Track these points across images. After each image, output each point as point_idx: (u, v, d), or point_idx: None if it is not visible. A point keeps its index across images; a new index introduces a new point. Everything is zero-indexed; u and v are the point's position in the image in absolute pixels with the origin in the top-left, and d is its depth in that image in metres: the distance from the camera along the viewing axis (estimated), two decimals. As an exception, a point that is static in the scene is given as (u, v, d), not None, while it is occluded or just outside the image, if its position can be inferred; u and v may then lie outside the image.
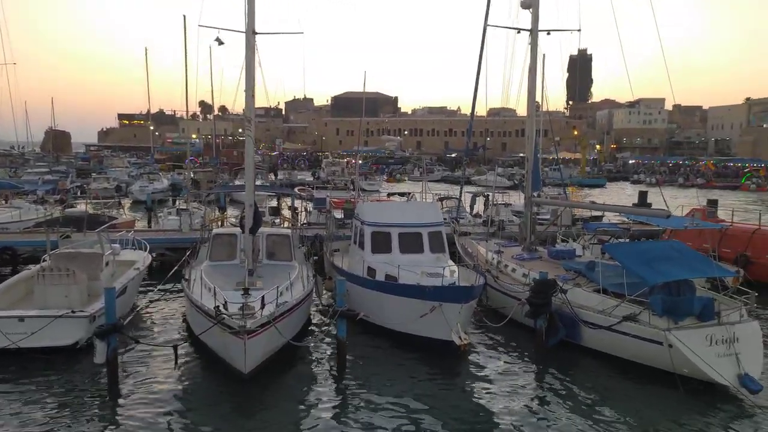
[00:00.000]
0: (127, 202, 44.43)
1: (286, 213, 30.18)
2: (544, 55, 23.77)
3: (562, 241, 22.99)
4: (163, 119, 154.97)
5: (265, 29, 16.24)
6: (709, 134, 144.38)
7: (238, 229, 17.81)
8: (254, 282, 14.07)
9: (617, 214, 26.95)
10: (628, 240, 21.53)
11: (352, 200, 23.94)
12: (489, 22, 21.97)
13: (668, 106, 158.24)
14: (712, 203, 30.74)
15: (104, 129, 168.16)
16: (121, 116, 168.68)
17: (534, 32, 20.21)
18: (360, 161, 79.79)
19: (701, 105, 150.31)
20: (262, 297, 12.09)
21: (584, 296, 15.03)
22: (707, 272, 14.57)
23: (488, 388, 12.99)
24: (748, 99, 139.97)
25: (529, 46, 20.41)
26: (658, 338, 12.91)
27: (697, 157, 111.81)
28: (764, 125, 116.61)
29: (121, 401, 11.93)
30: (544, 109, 26.20)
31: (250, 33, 15.51)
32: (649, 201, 38.21)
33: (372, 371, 13.72)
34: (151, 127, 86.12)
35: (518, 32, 20.64)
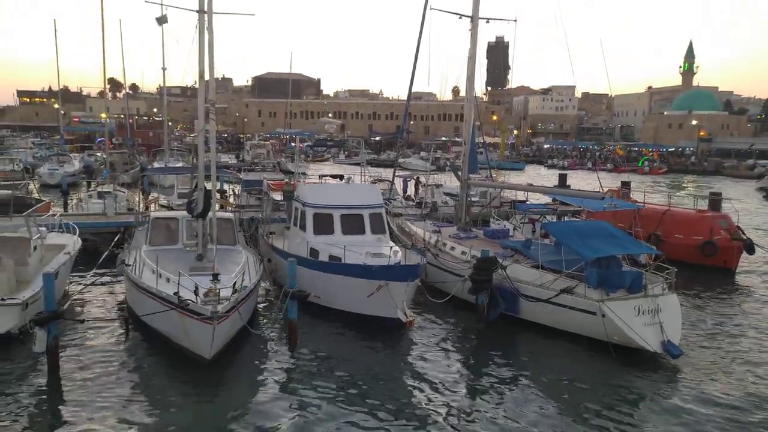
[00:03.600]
0: (34, 185, 41.51)
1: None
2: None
3: (495, 220, 23.98)
4: (68, 97, 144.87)
5: (219, 9, 15.73)
6: (614, 121, 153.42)
7: (179, 213, 17.28)
8: (205, 267, 13.80)
9: (546, 195, 28.27)
10: (555, 219, 22.76)
11: (292, 182, 23.76)
12: (432, 6, 22.25)
13: (578, 93, 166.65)
14: (626, 185, 32.90)
15: (1, 107, 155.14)
16: (20, 93, 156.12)
17: (475, 19, 20.80)
18: (288, 143, 78.66)
19: (608, 93, 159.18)
20: (234, 283, 11.94)
21: (523, 272, 15.87)
22: (634, 249, 15.83)
23: (434, 361, 13.49)
24: (650, 88, 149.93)
25: (470, 33, 20.97)
26: (592, 309, 13.92)
27: (604, 142, 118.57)
28: (664, 113, 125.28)
29: (65, 389, 11.46)
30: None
31: (203, 12, 14.96)
32: (568, 183, 40.33)
33: (321, 350, 13.87)
34: (56, 106, 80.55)
35: (459, 18, 21.11)
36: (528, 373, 12.96)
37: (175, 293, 11.86)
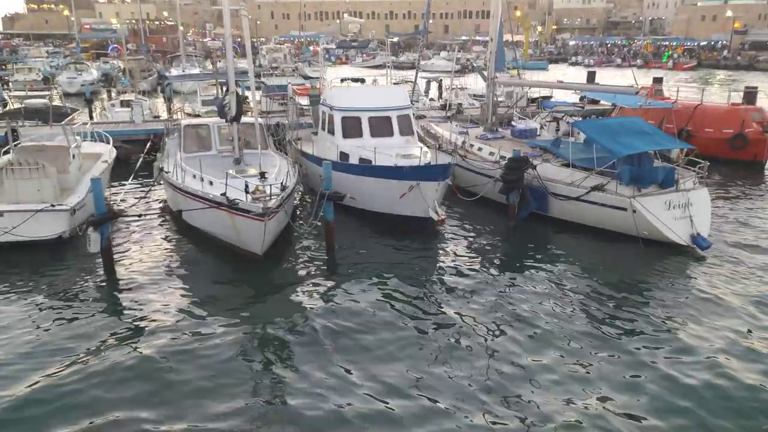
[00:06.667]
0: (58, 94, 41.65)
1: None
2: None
3: (520, 119, 23.64)
4: (77, 2, 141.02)
5: None
6: (645, 13, 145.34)
7: (209, 119, 17.43)
8: (244, 170, 14.15)
9: (573, 92, 27.63)
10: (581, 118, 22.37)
11: (318, 87, 23.54)
12: None
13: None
14: (658, 81, 31.89)
15: (8, 15, 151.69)
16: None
17: None
18: (305, 47, 76.58)
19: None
20: (282, 180, 12.32)
21: (553, 171, 15.95)
22: (667, 144, 15.70)
23: (467, 257, 13.98)
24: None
25: None
26: (623, 205, 14.12)
27: (633, 37, 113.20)
28: (698, 3, 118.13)
29: (122, 285, 12.25)
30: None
31: None
32: (596, 81, 39.21)
33: (357, 249, 14.46)
34: (66, 13, 78.57)
35: None
36: (559, 266, 13.36)
37: (222, 194, 12.29)
